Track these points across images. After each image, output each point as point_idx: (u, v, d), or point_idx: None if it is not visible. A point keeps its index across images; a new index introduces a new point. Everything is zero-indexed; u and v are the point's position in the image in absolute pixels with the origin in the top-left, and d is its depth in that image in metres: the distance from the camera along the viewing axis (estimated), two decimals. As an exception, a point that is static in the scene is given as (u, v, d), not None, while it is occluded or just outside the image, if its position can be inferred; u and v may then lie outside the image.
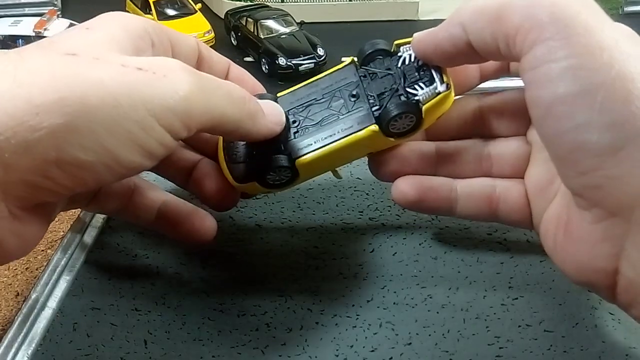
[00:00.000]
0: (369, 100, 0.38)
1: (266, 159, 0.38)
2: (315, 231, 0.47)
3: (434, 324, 0.40)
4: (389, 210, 0.49)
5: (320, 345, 0.39)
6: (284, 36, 0.82)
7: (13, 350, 0.38)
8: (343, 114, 0.38)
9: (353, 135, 0.37)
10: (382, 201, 0.50)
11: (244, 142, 0.39)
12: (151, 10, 0.88)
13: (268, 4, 0.91)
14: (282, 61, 0.78)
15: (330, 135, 0.38)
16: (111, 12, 0.33)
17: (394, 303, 0.41)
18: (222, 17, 0.92)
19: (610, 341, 0.38)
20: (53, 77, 0.26)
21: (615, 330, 0.39)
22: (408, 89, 0.36)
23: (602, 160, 0.26)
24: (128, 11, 0.90)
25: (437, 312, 0.41)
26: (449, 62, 0.35)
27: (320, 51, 0.80)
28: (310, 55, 0.79)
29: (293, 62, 0.78)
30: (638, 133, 0.25)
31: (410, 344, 0.39)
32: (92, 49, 0.29)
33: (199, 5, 0.92)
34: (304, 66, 0.78)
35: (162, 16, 0.88)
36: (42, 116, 0.25)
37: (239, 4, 0.92)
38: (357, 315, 0.41)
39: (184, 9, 0.90)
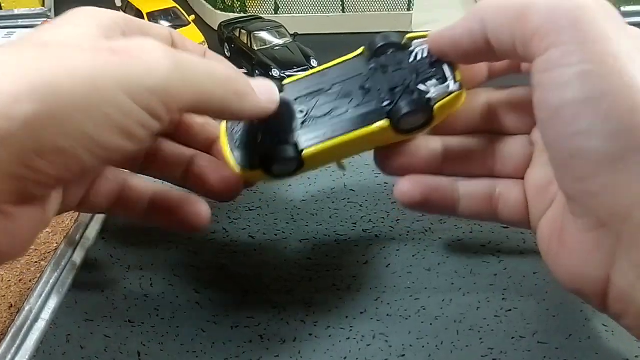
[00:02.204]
0: (379, 94, 0.37)
1: (272, 148, 0.37)
2: (308, 243, 0.47)
3: (428, 336, 0.40)
4: (382, 222, 0.49)
5: (314, 357, 0.39)
6: (277, 48, 0.82)
7: (6, 362, 0.38)
8: (352, 107, 0.37)
9: (362, 129, 0.36)
10: (375, 213, 0.50)
11: (249, 129, 0.39)
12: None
13: (261, 15, 0.91)
14: (275, 73, 0.78)
15: (339, 128, 0.37)
16: (82, 7, 0.33)
17: (388, 315, 0.41)
18: (216, 28, 0.92)
19: (603, 353, 0.38)
20: (23, 65, 0.26)
21: (609, 342, 0.39)
22: (420, 86, 0.36)
23: (600, 168, 0.26)
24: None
25: (431, 324, 0.41)
26: (465, 59, 0.35)
27: (314, 63, 0.80)
28: (304, 67, 0.79)
29: (286, 73, 0.78)
30: (639, 145, 0.26)
31: (403, 355, 0.39)
32: (64, 39, 0.29)
33: (193, 16, 0.92)
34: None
35: (156, 28, 0.88)
36: (14, 105, 0.25)
37: (232, 15, 0.92)
38: (351, 327, 0.41)
39: (178, 21, 0.90)
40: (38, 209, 0.31)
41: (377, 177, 0.54)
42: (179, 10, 0.92)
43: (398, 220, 0.49)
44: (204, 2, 0.97)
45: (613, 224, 0.27)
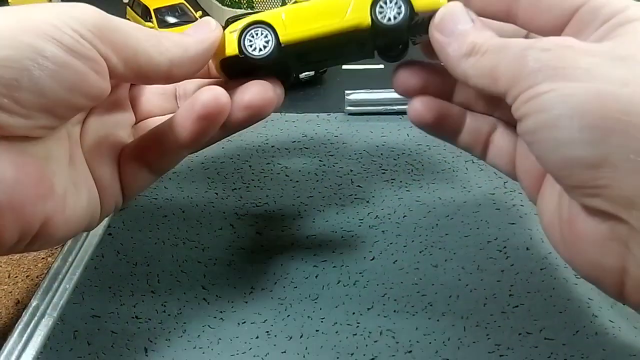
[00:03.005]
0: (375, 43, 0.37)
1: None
2: (315, 239, 0.47)
3: (435, 332, 0.40)
4: (389, 218, 0.49)
5: (321, 353, 0.39)
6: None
7: (13, 358, 0.38)
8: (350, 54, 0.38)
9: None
10: (382, 209, 0.50)
11: (243, 65, 0.37)
12: (152, 17, 0.88)
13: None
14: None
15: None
16: None
17: (395, 311, 0.41)
18: (223, 24, 0.92)
19: (610, 349, 0.38)
20: None
21: (616, 338, 0.39)
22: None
23: (592, 172, 0.27)
24: (128, 19, 0.90)
25: (438, 320, 0.41)
26: None
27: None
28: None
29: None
30: (619, 144, 0.26)
31: (410, 352, 0.39)
32: None
33: (199, 12, 0.92)
34: (303, 73, 0.78)
35: (163, 24, 0.88)
36: None
37: (239, 11, 0.92)
38: (358, 323, 0.41)
39: (185, 17, 0.90)
40: (26, 157, 0.30)
41: (383, 173, 0.54)
42: (185, 6, 0.92)
43: (405, 216, 0.49)
44: (211, -2, 0.97)
45: (622, 215, 0.27)
